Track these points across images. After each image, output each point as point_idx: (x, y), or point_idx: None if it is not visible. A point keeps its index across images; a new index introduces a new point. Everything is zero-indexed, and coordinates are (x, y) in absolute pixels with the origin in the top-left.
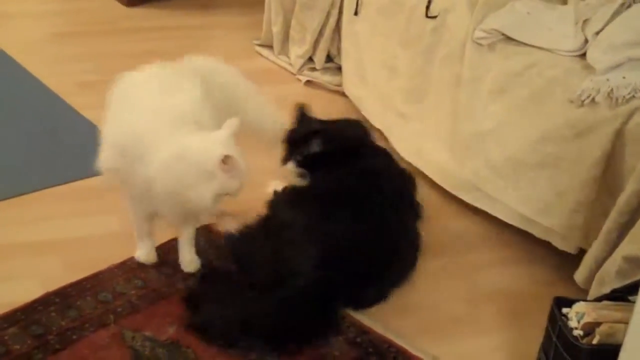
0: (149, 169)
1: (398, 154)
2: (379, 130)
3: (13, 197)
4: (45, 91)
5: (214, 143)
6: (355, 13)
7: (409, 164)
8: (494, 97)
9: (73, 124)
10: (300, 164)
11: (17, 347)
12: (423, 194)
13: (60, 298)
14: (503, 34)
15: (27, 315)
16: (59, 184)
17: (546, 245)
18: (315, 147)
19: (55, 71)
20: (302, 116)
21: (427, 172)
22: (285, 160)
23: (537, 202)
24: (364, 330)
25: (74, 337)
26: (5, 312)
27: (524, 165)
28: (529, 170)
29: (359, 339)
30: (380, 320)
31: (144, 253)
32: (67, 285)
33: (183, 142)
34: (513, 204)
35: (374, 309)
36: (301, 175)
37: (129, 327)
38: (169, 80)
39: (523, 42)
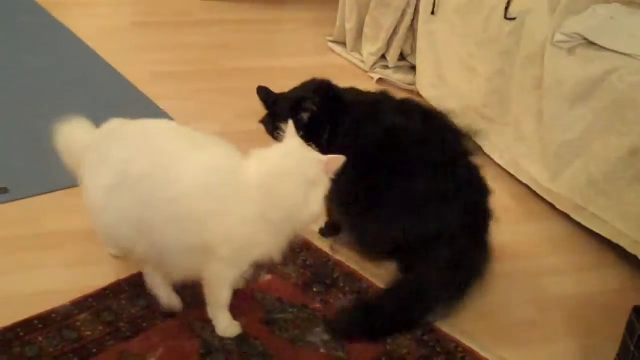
0: (249, 207)
1: (495, 163)
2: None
3: None
4: (120, 80)
5: (303, 150)
6: (432, 12)
7: (509, 173)
8: (576, 103)
9: (148, 113)
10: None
11: (89, 333)
12: (496, 197)
13: (131, 286)
14: (584, 38)
15: (98, 302)
16: None
17: (618, 252)
18: (309, 110)
19: (130, 60)
20: (269, 96)
21: (526, 182)
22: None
23: (628, 215)
24: (432, 329)
25: (145, 325)
26: (77, 299)
27: (622, 180)
28: (627, 185)
29: (426, 337)
30: (448, 320)
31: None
32: (137, 273)
33: (266, 162)
34: (610, 219)
35: (440, 309)
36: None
37: (199, 317)
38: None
39: (604, 47)
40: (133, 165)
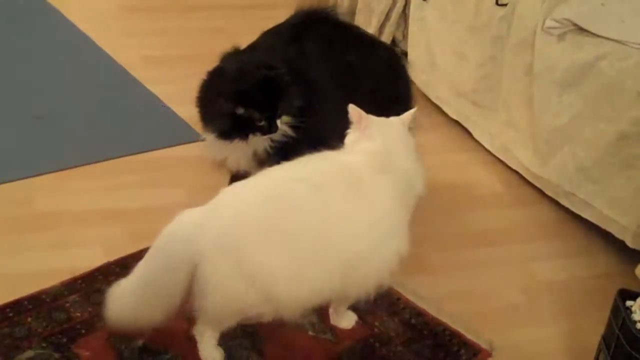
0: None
1: (484, 148)
2: (455, 122)
3: (80, 165)
4: (112, 64)
5: (390, 120)
6: None
7: (498, 159)
8: (566, 88)
9: (139, 97)
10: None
11: (78, 314)
12: (485, 182)
13: (120, 268)
14: (575, 24)
15: (87, 283)
16: (125, 155)
17: (605, 237)
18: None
19: (122, 44)
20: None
21: (515, 168)
22: (271, 129)
23: (616, 201)
24: (419, 312)
25: None
26: (67, 280)
27: (611, 166)
28: (616, 171)
29: (413, 321)
30: (436, 303)
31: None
32: (127, 255)
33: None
34: (599, 204)
35: (429, 293)
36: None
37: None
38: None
39: (595, 33)
40: (317, 215)
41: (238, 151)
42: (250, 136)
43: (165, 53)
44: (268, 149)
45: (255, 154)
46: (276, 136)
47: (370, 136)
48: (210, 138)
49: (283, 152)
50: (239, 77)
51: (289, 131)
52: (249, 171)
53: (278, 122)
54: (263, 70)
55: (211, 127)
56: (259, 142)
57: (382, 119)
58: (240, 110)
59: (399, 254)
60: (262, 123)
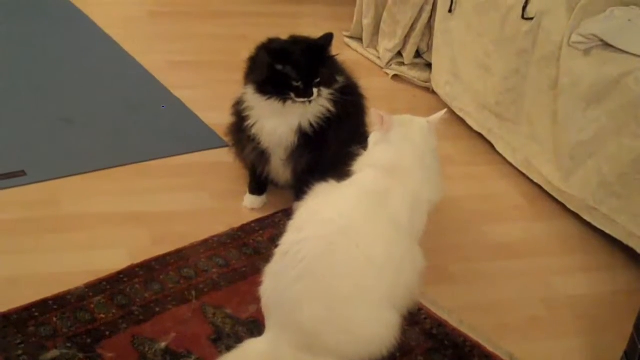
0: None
1: (507, 161)
2: (478, 134)
3: (106, 168)
4: (137, 67)
5: (414, 121)
6: (450, 10)
7: (521, 172)
8: (591, 103)
9: (165, 102)
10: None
11: (103, 315)
12: (507, 195)
13: (145, 271)
14: (601, 40)
15: (112, 285)
16: (150, 159)
17: (627, 252)
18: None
19: (148, 49)
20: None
21: (538, 182)
22: (306, 92)
23: (639, 217)
24: (440, 323)
25: (157, 309)
26: (92, 281)
27: (635, 182)
28: (638, 187)
29: (435, 331)
30: (457, 314)
31: None
32: (151, 258)
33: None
34: (622, 220)
35: (450, 304)
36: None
37: (210, 303)
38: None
39: (621, 49)
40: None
41: (281, 119)
42: (289, 102)
43: (190, 59)
44: (312, 122)
45: (300, 127)
46: (317, 109)
47: (389, 140)
48: (250, 92)
49: (323, 133)
50: (288, 40)
51: (330, 105)
52: (273, 172)
53: (315, 90)
54: (311, 39)
55: (251, 78)
56: (301, 113)
57: (406, 118)
58: (279, 67)
59: (416, 269)
60: (299, 84)
